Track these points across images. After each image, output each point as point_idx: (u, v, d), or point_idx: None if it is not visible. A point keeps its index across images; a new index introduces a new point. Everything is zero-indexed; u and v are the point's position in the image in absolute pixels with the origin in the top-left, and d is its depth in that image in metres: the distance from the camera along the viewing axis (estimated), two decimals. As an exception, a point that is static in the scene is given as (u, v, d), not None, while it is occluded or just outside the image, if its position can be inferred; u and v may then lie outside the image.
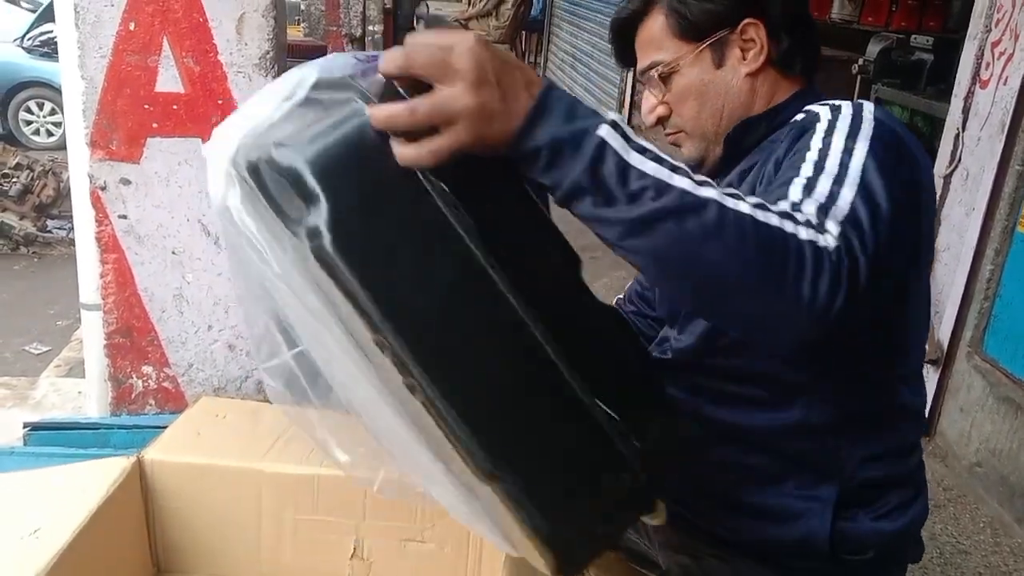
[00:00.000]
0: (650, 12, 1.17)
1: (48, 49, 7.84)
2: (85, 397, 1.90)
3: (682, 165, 0.80)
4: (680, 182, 0.77)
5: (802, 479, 1.09)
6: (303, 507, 1.22)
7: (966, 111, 3.04)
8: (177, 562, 1.24)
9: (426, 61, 0.74)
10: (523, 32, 12.24)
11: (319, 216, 0.71)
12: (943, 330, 3.08)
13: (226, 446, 1.27)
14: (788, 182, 0.91)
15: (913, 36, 4.53)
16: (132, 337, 1.53)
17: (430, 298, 0.75)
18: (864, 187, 0.89)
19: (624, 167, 0.76)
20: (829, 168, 0.92)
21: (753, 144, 1.16)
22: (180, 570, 1.24)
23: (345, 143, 0.74)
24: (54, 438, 1.42)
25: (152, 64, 1.41)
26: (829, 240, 0.81)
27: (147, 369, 1.55)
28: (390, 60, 0.76)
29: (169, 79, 1.42)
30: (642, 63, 1.20)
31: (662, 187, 0.76)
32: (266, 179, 0.75)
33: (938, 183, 3.13)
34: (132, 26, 1.39)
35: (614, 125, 0.77)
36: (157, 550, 1.23)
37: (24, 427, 1.45)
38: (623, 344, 0.90)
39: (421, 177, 0.75)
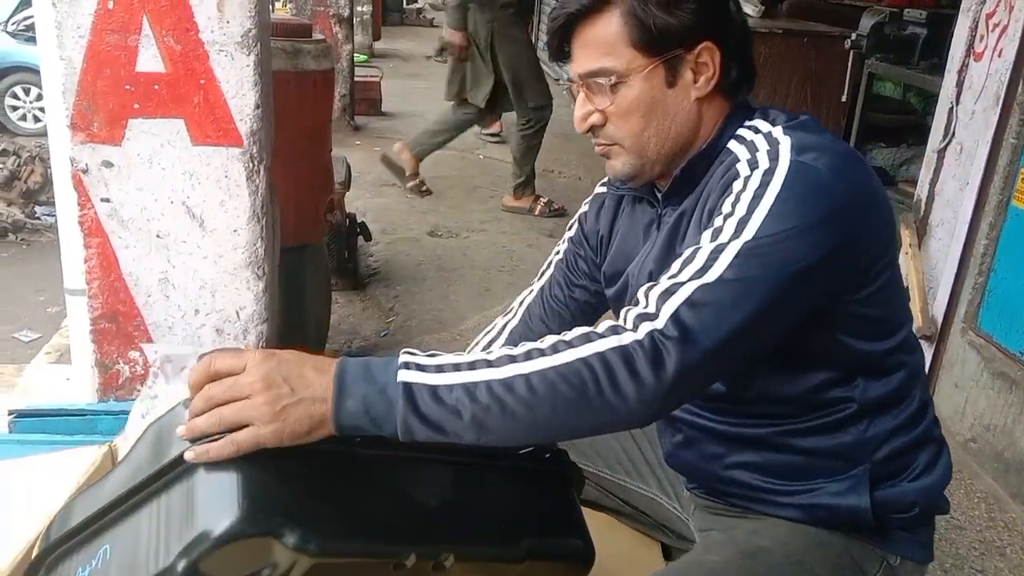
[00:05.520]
0: (603, 11, 1.06)
1: (33, 33, 7.73)
2: (72, 383, 1.88)
3: (473, 356, 0.91)
4: (481, 375, 0.88)
5: (833, 467, 1.11)
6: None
7: (960, 84, 3.01)
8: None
9: (223, 392, 0.86)
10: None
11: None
12: (937, 306, 3.06)
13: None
14: (678, 256, 0.99)
15: (906, 10, 4.50)
16: (118, 322, 1.50)
17: None
18: (752, 248, 0.94)
19: (434, 392, 0.87)
20: (722, 238, 0.96)
21: (702, 174, 1.12)
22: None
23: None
24: (39, 425, 1.40)
25: (132, 43, 1.38)
26: (642, 330, 0.90)
27: (134, 354, 1.53)
28: (197, 415, 0.86)
29: (150, 59, 1.39)
30: (584, 65, 1.09)
31: (471, 388, 0.88)
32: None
33: (932, 158, 3.11)
34: (111, 4, 1.36)
35: (406, 365, 0.88)
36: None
37: (9, 414, 1.43)
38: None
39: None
